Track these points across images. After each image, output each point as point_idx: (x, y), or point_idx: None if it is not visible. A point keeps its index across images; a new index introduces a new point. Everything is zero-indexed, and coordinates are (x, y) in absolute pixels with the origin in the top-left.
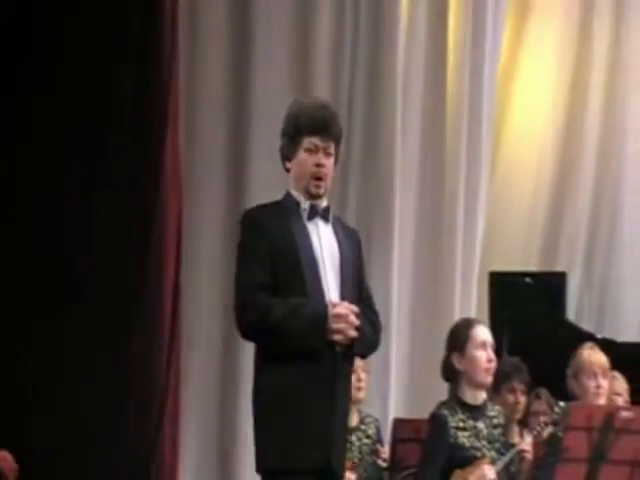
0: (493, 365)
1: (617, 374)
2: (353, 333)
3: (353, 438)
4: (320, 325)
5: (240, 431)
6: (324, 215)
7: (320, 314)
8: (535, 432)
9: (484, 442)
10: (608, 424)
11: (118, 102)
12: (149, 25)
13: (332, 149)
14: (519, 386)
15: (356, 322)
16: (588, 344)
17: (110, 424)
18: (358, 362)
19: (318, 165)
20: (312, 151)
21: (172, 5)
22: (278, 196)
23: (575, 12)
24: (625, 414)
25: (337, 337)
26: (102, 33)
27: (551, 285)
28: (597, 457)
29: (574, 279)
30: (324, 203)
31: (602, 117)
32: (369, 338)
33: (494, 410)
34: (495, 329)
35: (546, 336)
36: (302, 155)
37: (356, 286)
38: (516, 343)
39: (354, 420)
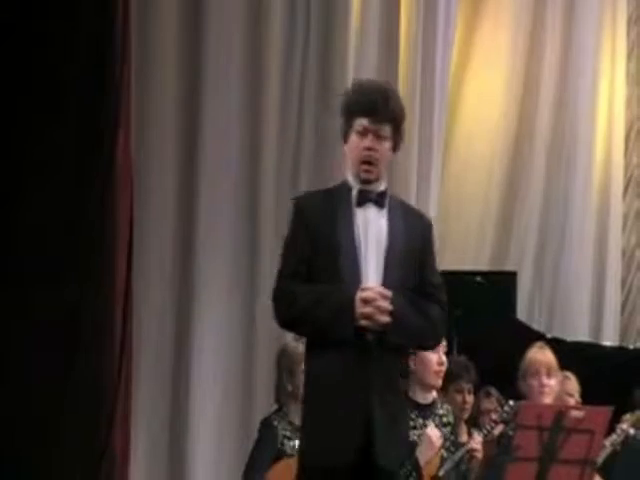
0: (444, 368)
1: (570, 375)
2: (384, 318)
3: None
4: (347, 311)
5: (191, 430)
6: (378, 200)
7: (347, 299)
8: (485, 431)
9: None
10: (558, 423)
11: (67, 103)
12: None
13: (387, 132)
14: (467, 386)
15: (387, 307)
16: (538, 344)
17: (59, 427)
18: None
19: (367, 149)
20: (362, 134)
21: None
22: (229, 197)
23: (526, 18)
24: (575, 413)
25: (364, 322)
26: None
27: (502, 285)
28: (547, 456)
29: (525, 279)
30: (381, 187)
31: (553, 120)
32: (413, 326)
33: (443, 409)
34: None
35: (496, 335)
36: (353, 138)
37: (412, 274)
38: (467, 342)
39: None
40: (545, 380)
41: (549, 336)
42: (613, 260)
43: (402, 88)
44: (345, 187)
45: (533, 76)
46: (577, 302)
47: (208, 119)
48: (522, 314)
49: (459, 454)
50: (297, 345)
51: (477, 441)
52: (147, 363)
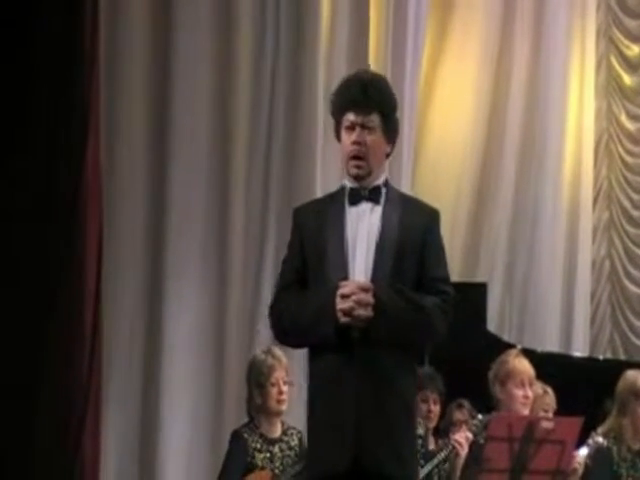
0: None
1: (549, 389)
2: (364, 312)
3: (276, 449)
4: (327, 310)
5: (161, 430)
6: (372, 197)
7: (327, 299)
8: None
9: None
10: (529, 434)
11: (34, 116)
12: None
13: (374, 122)
14: (432, 395)
15: (368, 300)
16: (513, 350)
17: (30, 424)
18: (279, 374)
19: (353, 143)
20: (350, 129)
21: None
22: (200, 210)
23: (495, 30)
24: (545, 424)
25: (344, 319)
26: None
27: (472, 296)
28: (518, 467)
29: (495, 290)
30: (376, 182)
31: (522, 132)
32: (402, 319)
33: None
34: None
35: (467, 347)
36: (343, 135)
37: (410, 269)
38: (437, 354)
39: (277, 431)
40: (529, 392)
41: (520, 347)
42: (583, 271)
43: None
44: (342, 188)
45: (502, 87)
46: (547, 313)
47: (178, 123)
48: (492, 325)
49: (431, 465)
50: (265, 358)
51: (462, 435)
52: (118, 369)
